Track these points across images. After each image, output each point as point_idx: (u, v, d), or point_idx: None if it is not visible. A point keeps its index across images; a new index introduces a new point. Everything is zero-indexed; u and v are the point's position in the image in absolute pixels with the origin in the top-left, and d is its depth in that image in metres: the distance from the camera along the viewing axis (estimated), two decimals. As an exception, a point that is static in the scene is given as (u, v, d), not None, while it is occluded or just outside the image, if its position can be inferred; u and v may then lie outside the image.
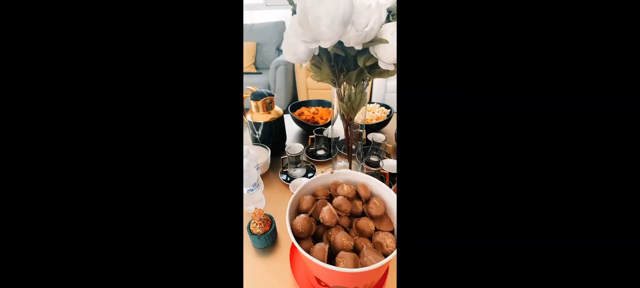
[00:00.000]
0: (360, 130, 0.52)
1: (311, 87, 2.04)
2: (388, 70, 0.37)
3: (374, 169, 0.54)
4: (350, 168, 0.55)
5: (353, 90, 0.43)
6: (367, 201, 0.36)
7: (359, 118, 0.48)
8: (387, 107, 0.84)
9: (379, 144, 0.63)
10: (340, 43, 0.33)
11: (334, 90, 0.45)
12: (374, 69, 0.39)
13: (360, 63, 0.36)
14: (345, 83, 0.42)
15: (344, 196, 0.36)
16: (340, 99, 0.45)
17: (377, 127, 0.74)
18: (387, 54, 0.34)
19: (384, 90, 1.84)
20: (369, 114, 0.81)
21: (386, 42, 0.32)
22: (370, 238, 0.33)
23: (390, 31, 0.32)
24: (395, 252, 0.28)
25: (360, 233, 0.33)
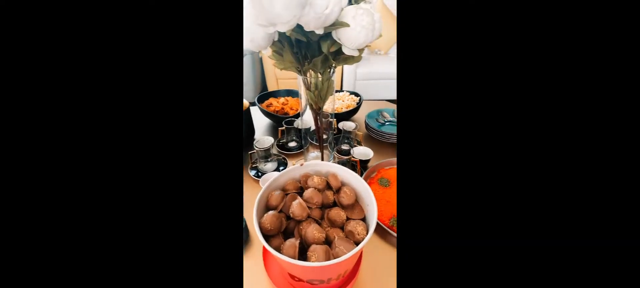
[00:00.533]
0: (331, 119, 0.51)
1: (281, 77, 1.97)
2: (353, 57, 0.36)
3: (345, 158, 0.54)
4: (322, 158, 0.54)
5: (319, 79, 0.41)
6: (338, 191, 0.36)
7: (328, 107, 0.47)
8: (356, 94, 0.84)
9: (349, 132, 0.63)
10: (299, 27, 0.31)
11: (300, 78, 0.43)
12: (339, 55, 0.37)
13: (325, 49, 0.35)
14: (311, 71, 0.41)
15: (315, 188, 0.35)
16: (307, 87, 0.43)
17: (347, 115, 0.74)
18: (350, 40, 0.32)
19: (354, 78, 1.85)
20: (338, 102, 0.80)
21: (347, 25, 0.31)
22: (342, 227, 0.32)
23: (351, 14, 0.31)
24: (366, 239, 0.28)
25: (332, 223, 0.33)
